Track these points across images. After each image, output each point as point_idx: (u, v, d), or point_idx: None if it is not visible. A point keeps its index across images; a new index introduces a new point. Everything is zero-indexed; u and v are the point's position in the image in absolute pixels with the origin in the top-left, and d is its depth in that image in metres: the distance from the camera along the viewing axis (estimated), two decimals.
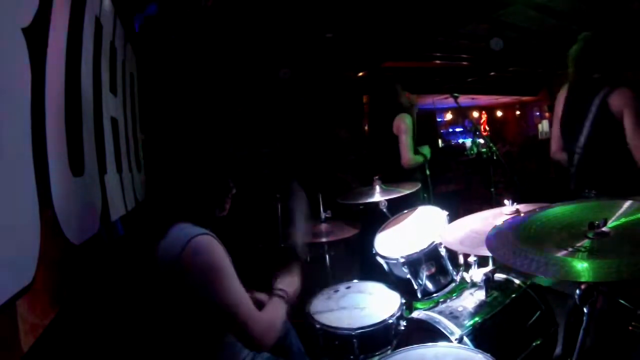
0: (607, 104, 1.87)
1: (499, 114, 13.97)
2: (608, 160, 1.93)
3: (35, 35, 1.02)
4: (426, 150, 3.00)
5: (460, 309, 1.62)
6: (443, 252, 1.85)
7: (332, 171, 4.00)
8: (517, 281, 1.76)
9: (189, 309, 1.23)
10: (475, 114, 13.14)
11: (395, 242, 2.04)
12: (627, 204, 1.07)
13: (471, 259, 1.74)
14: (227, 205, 1.41)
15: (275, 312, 1.33)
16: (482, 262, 1.73)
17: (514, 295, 1.69)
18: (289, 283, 1.48)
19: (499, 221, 1.36)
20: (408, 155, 2.78)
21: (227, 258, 1.25)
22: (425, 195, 3.05)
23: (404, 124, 2.83)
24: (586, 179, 2.01)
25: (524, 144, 10.68)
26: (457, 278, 1.87)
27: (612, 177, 1.92)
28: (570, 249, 0.96)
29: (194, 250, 1.17)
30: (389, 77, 3.23)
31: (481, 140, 3.57)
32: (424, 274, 1.85)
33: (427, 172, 3.06)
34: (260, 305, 1.38)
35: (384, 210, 2.27)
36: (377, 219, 2.26)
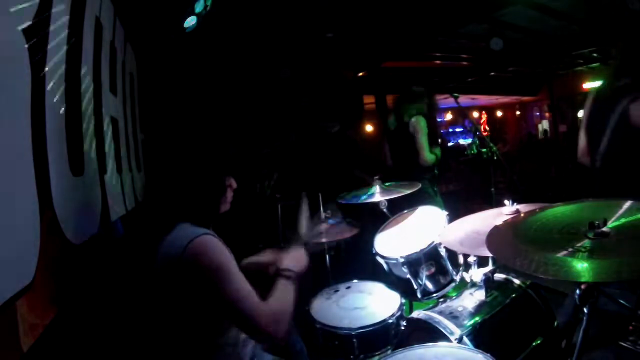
0: (627, 113, 1.70)
1: (499, 114, 13.98)
2: (626, 173, 1.78)
3: (35, 35, 1.02)
4: (437, 150, 3.21)
5: (460, 308, 1.62)
6: (443, 252, 1.85)
7: (347, 170, 4.06)
8: (517, 281, 1.76)
9: (191, 309, 1.23)
10: (475, 114, 13.14)
11: (395, 242, 2.04)
12: (627, 204, 1.07)
13: (471, 259, 1.74)
14: (229, 200, 1.40)
15: (283, 299, 1.26)
16: (482, 262, 1.73)
17: (514, 295, 1.69)
18: (295, 259, 1.40)
19: (499, 221, 1.36)
20: (425, 154, 3.05)
21: (230, 255, 1.24)
22: (435, 189, 3.21)
23: (419, 126, 3.07)
24: (604, 190, 1.87)
25: (525, 143, 10.69)
26: (457, 278, 1.87)
27: (630, 192, 1.71)
28: (570, 249, 0.95)
29: (195, 251, 1.16)
30: (416, 80, 3.41)
31: (481, 140, 3.60)
32: (424, 273, 1.85)
33: (436, 171, 3.25)
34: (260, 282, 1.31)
35: (384, 210, 2.27)
36: (377, 219, 2.26)
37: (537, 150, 9.61)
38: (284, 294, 1.28)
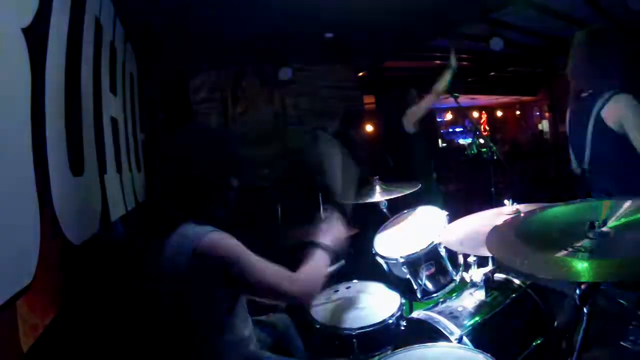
0: (602, 120, 1.71)
1: (499, 114, 13.97)
2: (616, 178, 1.78)
3: (35, 35, 1.02)
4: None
5: (460, 309, 1.62)
6: (443, 252, 1.85)
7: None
8: (517, 281, 1.76)
9: (195, 308, 1.22)
10: (475, 114, 13.13)
11: (395, 242, 2.04)
12: (627, 204, 1.06)
13: (471, 259, 1.74)
14: (231, 200, 1.39)
15: (315, 267, 1.35)
16: (482, 262, 1.73)
17: (514, 295, 1.69)
18: (327, 232, 1.48)
19: (499, 221, 1.36)
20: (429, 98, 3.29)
21: (239, 243, 1.24)
22: (440, 186, 3.20)
23: (408, 117, 3.18)
24: (597, 196, 1.84)
25: (526, 142, 10.69)
26: (457, 278, 1.87)
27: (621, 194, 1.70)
28: (570, 249, 0.95)
29: (207, 249, 1.16)
30: (403, 79, 3.44)
31: (481, 140, 3.61)
32: (424, 274, 1.85)
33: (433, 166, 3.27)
34: None
35: (384, 210, 2.27)
36: (377, 219, 2.26)
37: (536, 149, 9.61)
38: (316, 263, 1.37)
